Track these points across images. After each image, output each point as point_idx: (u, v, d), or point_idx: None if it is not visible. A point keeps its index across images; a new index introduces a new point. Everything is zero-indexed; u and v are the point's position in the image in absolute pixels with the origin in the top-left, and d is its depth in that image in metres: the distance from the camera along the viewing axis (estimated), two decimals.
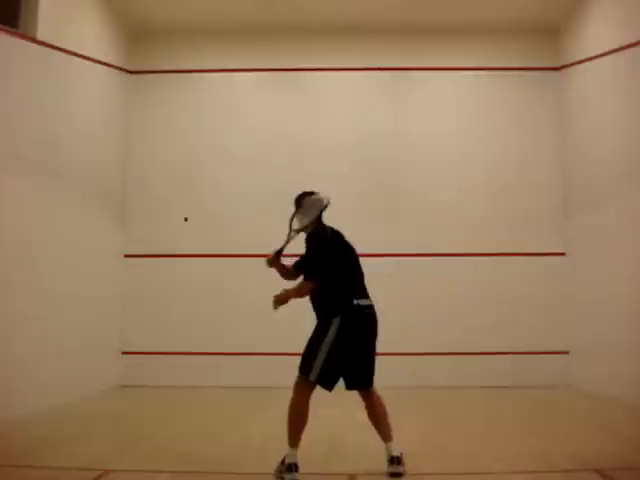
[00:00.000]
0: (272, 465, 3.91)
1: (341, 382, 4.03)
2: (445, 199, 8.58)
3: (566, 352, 8.21)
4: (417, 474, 3.95)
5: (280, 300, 4.06)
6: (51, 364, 6.49)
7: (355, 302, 3.98)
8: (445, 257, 8.41)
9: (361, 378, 4.02)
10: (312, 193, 4.28)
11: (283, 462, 3.84)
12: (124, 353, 8.37)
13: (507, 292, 8.36)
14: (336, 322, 3.93)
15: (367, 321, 4.03)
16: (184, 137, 8.83)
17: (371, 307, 4.08)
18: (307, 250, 4.16)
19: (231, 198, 8.64)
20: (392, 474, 3.90)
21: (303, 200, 4.24)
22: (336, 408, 5.64)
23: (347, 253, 4.15)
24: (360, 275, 4.17)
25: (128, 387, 8.11)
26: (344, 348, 3.92)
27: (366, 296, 4.10)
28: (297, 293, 4.09)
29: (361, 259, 4.24)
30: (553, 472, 4.01)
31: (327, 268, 4.02)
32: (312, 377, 3.89)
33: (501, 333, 8.26)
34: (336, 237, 4.17)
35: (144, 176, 8.74)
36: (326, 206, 4.21)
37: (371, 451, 4.28)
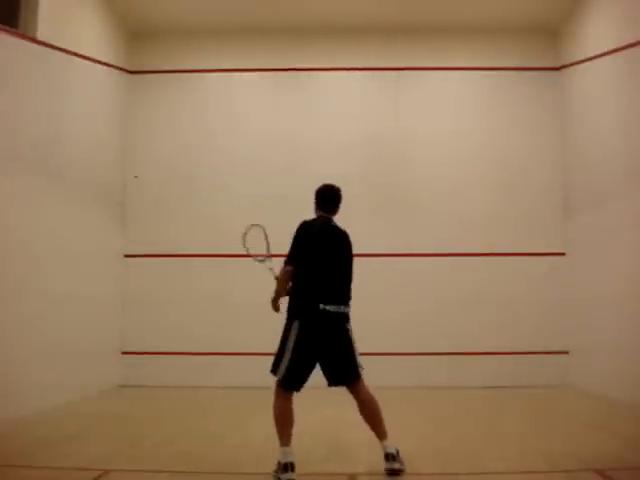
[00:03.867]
0: (272, 465, 3.91)
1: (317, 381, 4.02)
2: (445, 199, 8.58)
3: (566, 352, 8.21)
4: (417, 474, 3.95)
5: (273, 299, 4.12)
6: (51, 364, 6.48)
7: (321, 307, 3.90)
8: (445, 257, 8.41)
9: (340, 374, 4.00)
10: (322, 185, 4.38)
11: (279, 462, 3.82)
12: (124, 353, 8.37)
13: (507, 292, 8.35)
14: (296, 325, 3.91)
15: (329, 325, 3.93)
16: (184, 137, 8.83)
17: (338, 313, 3.96)
18: None
19: (231, 198, 8.64)
20: (388, 470, 3.86)
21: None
22: (336, 408, 5.64)
23: (324, 251, 4.04)
24: (336, 278, 4.03)
25: (128, 387, 8.11)
26: (308, 351, 3.90)
27: (337, 301, 3.97)
28: (277, 286, 4.09)
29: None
30: (553, 472, 4.00)
31: (298, 256, 4.03)
32: (278, 377, 3.92)
33: (501, 333, 8.26)
34: (320, 230, 4.12)
35: (144, 176, 8.74)
36: (324, 196, 4.27)
37: (371, 451, 4.27)
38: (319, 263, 4.02)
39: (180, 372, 8.24)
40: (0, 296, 5.76)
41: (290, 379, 3.90)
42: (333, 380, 4.01)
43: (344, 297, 4.06)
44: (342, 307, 4.01)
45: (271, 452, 4.13)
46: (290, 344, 3.90)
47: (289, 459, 3.77)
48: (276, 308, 4.15)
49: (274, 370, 3.96)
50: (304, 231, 4.10)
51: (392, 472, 3.85)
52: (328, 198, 4.28)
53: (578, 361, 8.01)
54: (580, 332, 7.96)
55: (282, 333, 4.00)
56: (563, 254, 8.42)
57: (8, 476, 3.92)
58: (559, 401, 7.21)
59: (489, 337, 8.25)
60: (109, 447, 4.70)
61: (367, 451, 4.37)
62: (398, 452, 3.92)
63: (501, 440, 4.99)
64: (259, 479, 3.95)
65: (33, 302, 6.26)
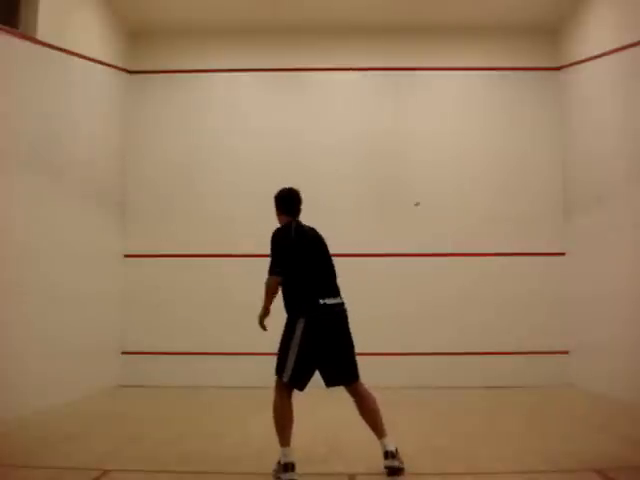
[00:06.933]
0: (272, 464, 3.91)
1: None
2: (445, 199, 8.57)
3: (566, 352, 8.21)
4: (417, 474, 3.95)
5: (261, 316, 4.09)
6: (51, 364, 6.49)
7: (321, 302, 3.93)
8: (445, 257, 8.40)
9: (341, 374, 3.99)
10: (282, 190, 4.35)
11: (279, 462, 3.83)
12: (124, 353, 8.37)
13: (507, 292, 8.35)
14: (301, 323, 3.91)
15: (334, 320, 3.97)
16: (184, 137, 8.83)
17: (338, 305, 4.02)
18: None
19: (231, 198, 8.64)
20: (388, 468, 3.86)
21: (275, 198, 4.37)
22: (336, 408, 5.63)
23: (309, 250, 4.08)
24: (327, 273, 4.11)
25: (128, 387, 8.11)
26: (313, 348, 3.89)
27: (334, 294, 4.04)
28: (265, 296, 4.06)
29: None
30: (553, 472, 4.01)
31: (283, 263, 4.00)
32: (285, 378, 3.89)
33: (501, 333, 8.25)
34: (298, 233, 4.12)
35: (144, 176, 8.75)
36: (288, 201, 4.27)
37: (371, 450, 4.27)
38: (309, 262, 4.05)
39: (180, 372, 8.24)
40: (0, 296, 5.76)
41: (296, 378, 3.88)
42: (332, 380, 3.98)
43: (336, 289, 4.12)
44: (338, 298, 4.06)
45: (271, 451, 4.13)
46: (295, 342, 3.88)
47: (289, 459, 3.78)
48: (263, 326, 4.11)
49: (279, 371, 3.93)
50: (284, 238, 4.08)
51: (392, 470, 3.85)
52: (292, 202, 4.30)
53: (578, 361, 8.01)
54: (580, 332, 7.96)
55: (284, 334, 3.98)
56: (563, 254, 8.42)
57: (8, 476, 3.92)
58: (559, 401, 7.21)
59: (489, 337, 8.25)
60: (109, 447, 4.71)
61: (367, 451, 4.37)
62: (397, 450, 3.92)
63: (501, 440, 4.99)
64: (259, 479, 3.95)
65: (33, 302, 6.27)
